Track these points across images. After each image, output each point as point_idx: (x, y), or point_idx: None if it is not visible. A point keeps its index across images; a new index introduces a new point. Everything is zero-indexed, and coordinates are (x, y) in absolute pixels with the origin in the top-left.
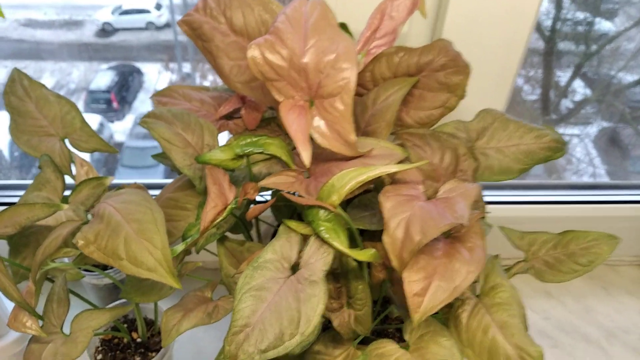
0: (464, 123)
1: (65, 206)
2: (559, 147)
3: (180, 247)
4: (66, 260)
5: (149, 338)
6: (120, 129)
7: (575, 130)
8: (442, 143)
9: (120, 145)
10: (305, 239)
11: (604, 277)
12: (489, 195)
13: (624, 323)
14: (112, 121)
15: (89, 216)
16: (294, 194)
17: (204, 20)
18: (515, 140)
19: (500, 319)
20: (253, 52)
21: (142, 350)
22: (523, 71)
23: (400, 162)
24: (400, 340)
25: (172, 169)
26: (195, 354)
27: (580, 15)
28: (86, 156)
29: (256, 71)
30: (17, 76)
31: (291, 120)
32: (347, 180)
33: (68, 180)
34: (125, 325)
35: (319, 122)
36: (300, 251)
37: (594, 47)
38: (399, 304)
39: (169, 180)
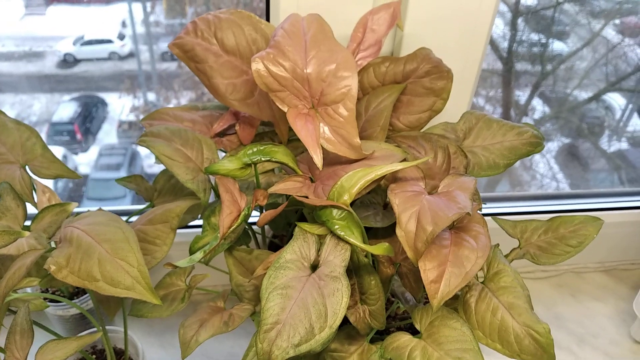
0: (451, 124)
1: (27, 233)
2: (539, 142)
3: (199, 255)
4: (28, 290)
5: None
6: (85, 161)
7: None
8: (434, 143)
9: (85, 177)
10: (320, 238)
11: (572, 284)
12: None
13: (593, 328)
14: (76, 153)
15: (52, 244)
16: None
17: (196, 42)
18: (499, 138)
19: (506, 300)
20: (257, 65)
21: None
22: (484, 91)
23: (401, 162)
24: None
25: (138, 193)
26: None
27: (535, 36)
28: (49, 183)
29: (260, 83)
30: None
31: (300, 126)
32: (356, 180)
33: (30, 208)
34: (94, 357)
35: (323, 128)
36: (318, 250)
37: (549, 67)
38: (405, 297)
39: (132, 207)
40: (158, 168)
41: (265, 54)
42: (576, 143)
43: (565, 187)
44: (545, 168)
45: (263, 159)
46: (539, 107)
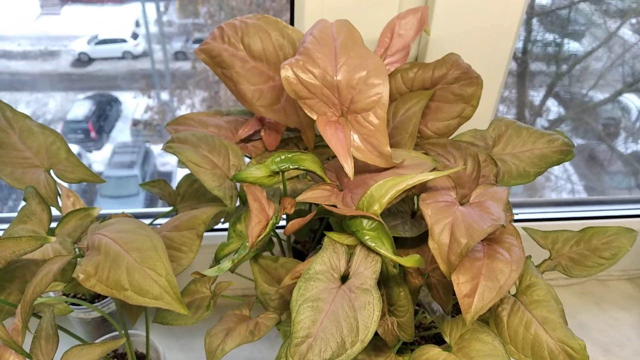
0: (480, 131)
1: (53, 239)
2: (569, 150)
3: (227, 265)
4: (52, 294)
5: None
6: (99, 159)
7: None
8: (463, 151)
9: (98, 175)
10: (349, 249)
11: (595, 292)
12: None
13: (618, 338)
14: (90, 151)
15: (77, 250)
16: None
17: (223, 47)
18: (529, 146)
19: (540, 315)
20: (287, 73)
21: None
22: None
23: (431, 170)
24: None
25: (161, 198)
26: None
27: (550, 36)
28: (70, 187)
29: (290, 90)
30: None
31: (330, 135)
32: (386, 189)
33: (54, 212)
34: None
35: (352, 136)
36: (348, 261)
37: (564, 67)
38: (431, 307)
39: (153, 210)
40: (171, 167)
41: (294, 61)
42: (591, 144)
43: (580, 189)
44: (560, 170)
45: (291, 166)
46: (553, 108)
